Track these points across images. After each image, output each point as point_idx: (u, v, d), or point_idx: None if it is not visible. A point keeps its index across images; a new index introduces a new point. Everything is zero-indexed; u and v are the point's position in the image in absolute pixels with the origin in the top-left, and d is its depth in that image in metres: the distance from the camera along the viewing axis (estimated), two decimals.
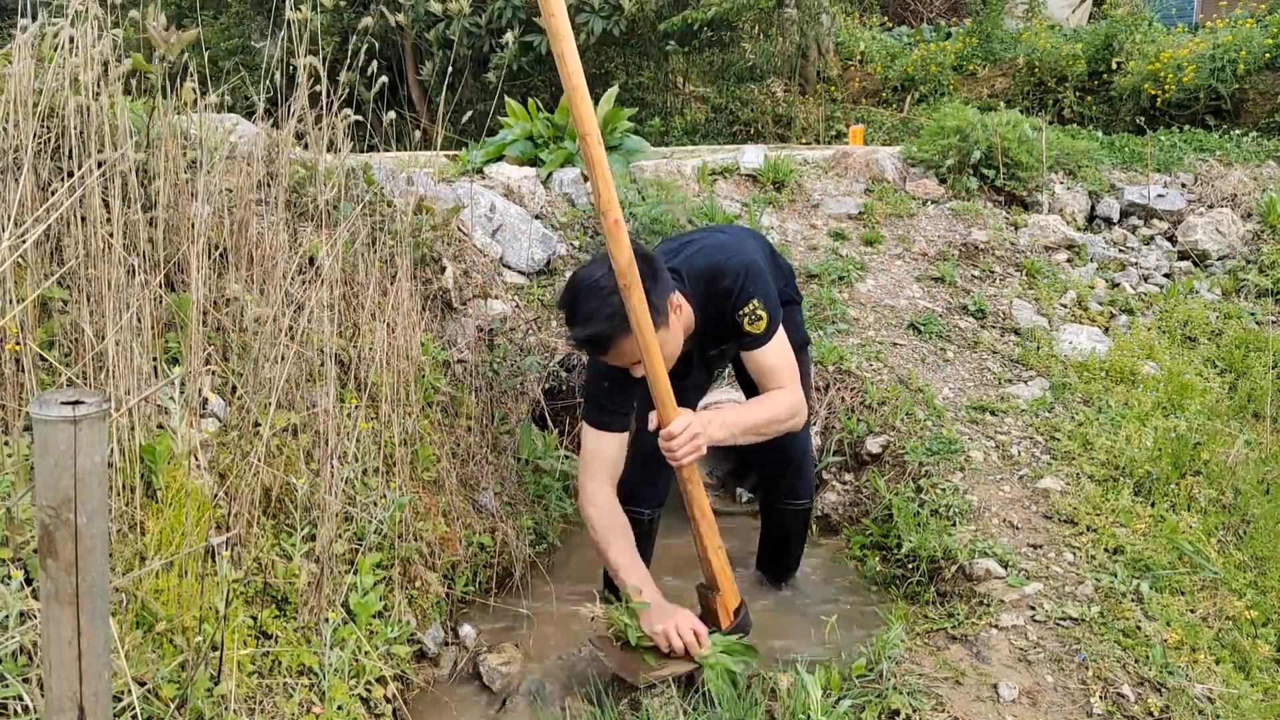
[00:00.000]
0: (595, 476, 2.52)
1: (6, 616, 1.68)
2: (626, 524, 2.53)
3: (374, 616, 2.34)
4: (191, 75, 2.70)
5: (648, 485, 2.80)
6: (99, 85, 2.33)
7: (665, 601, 2.43)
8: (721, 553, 2.46)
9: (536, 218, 4.31)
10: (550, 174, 4.74)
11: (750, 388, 2.92)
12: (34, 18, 2.46)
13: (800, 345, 2.88)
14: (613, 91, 5.21)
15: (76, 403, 1.19)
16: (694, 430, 2.27)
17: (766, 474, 2.98)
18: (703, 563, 2.47)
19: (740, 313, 2.43)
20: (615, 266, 2.18)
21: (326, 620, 2.18)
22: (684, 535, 3.43)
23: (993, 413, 3.64)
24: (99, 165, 2.26)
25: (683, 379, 2.65)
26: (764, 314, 2.44)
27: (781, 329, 2.52)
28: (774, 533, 3.06)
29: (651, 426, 2.32)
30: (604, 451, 2.52)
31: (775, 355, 2.50)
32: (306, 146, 3.05)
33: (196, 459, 2.15)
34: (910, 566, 2.97)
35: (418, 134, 3.67)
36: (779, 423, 2.49)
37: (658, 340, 2.26)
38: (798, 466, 2.89)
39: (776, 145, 7.19)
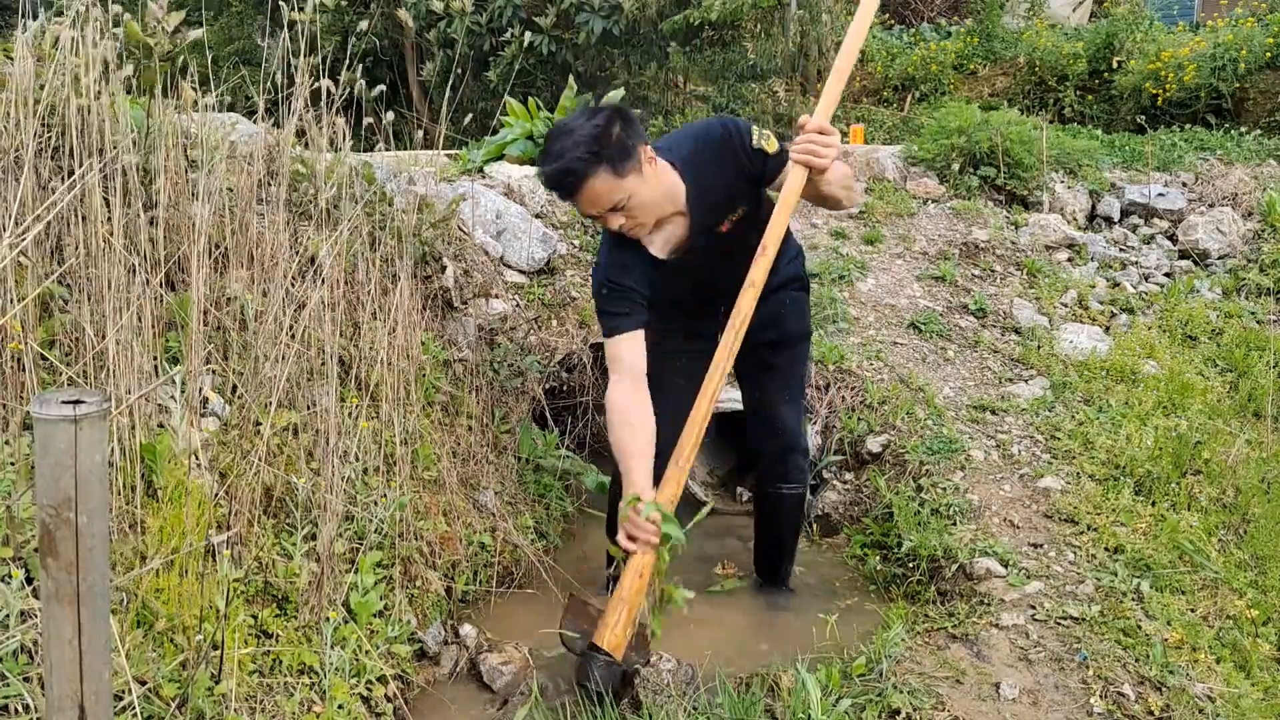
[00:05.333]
0: (616, 384, 2.48)
1: (7, 616, 1.68)
2: (643, 419, 2.46)
3: (374, 616, 2.34)
4: (192, 74, 2.70)
5: None
6: (99, 85, 2.33)
7: (649, 491, 2.39)
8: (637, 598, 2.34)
9: (537, 216, 4.31)
10: None
11: (757, 383, 2.90)
12: (34, 17, 2.46)
13: (809, 333, 2.88)
14: (618, 93, 5.20)
15: (77, 402, 1.19)
16: (837, 143, 2.32)
17: (762, 457, 2.96)
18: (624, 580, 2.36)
19: (753, 146, 2.42)
20: None
21: (327, 619, 2.18)
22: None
23: (993, 412, 3.64)
24: (99, 162, 2.26)
25: (697, 311, 2.67)
26: (768, 132, 2.45)
27: None
28: (768, 522, 3.03)
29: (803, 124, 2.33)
30: (623, 353, 2.49)
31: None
32: (307, 145, 3.05)
33: (197, 458, 2.15)
34: (910, 565, 2.97)
35: (419, 134, 3.67)
36: (852, 182, 2.52)
37: (631, 186, 2.30)
38: (793, 450, 2.88)
39: None
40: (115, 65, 2.40)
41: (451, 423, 3.18)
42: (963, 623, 2.54)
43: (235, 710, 1.90)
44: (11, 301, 2.06)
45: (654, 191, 2.37)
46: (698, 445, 2.41)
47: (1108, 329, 4.43)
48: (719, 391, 2.39)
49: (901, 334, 4.14)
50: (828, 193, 2.41)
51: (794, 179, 2.36)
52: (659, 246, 2.50)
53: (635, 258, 2.48)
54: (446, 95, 3.77)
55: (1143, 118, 7.12)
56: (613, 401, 2.47)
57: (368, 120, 3.19)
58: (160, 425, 2.18)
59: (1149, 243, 5.33)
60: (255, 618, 2.13)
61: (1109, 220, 5.46)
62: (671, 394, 2.67)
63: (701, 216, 2.48)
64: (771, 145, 2.43)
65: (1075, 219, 5.34)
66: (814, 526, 3.47)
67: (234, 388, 2.49)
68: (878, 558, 3.14)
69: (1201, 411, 3.68)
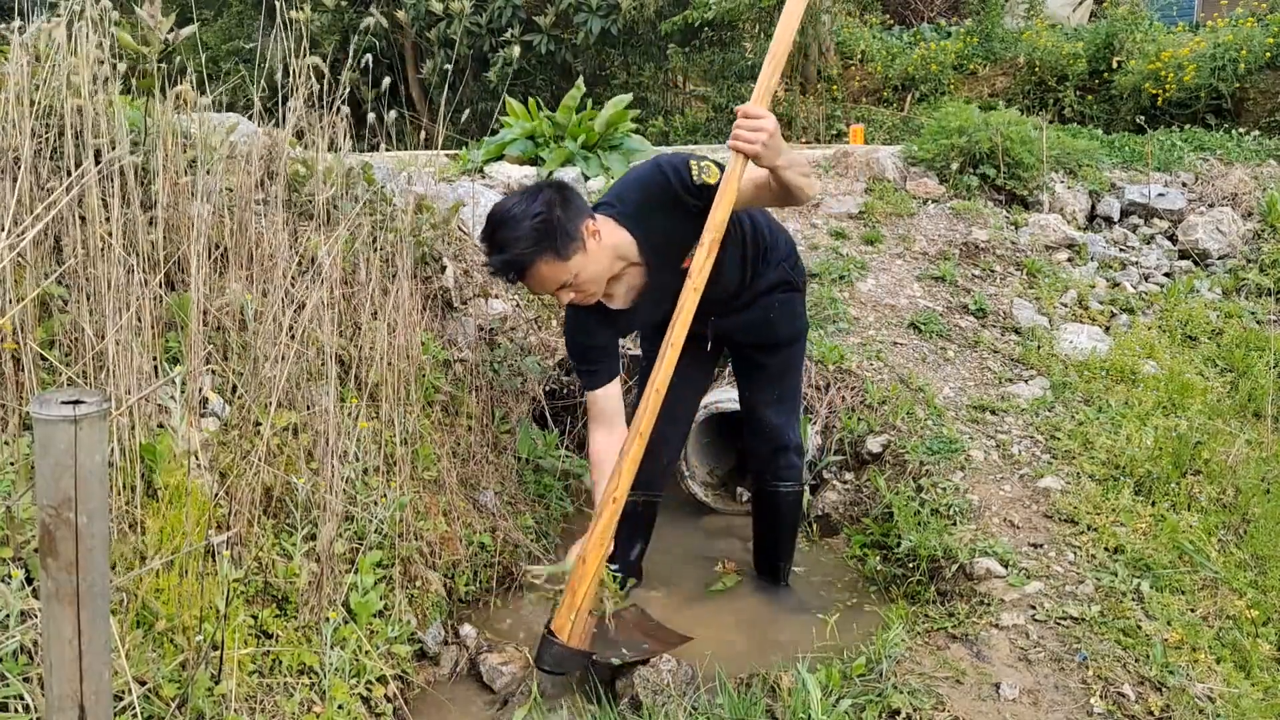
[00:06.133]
0: (594, 430, 2.68)
1: (7, 616, 1.68)
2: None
3: (374, 616, 2.34)
4: (190, 75, 2.70)
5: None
6: (94, 84, 2.32)
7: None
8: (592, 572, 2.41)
9: None
10: (551, 173, 4.75)
11: (748, 382, 2.92)
12: (27, 18, 2.46)
13: (801, 333, 2.88)
14: (625, 98, 5.21)
15: (77, 402, 1.19)
16: (769, 128, 2.24)
17: (756, 456, 2.98)
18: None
19: (695, 184, 2.40)
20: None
21: (327, 619, 2.18)
22: (686, 530, 3.44)
23: (993, 412, 3.64)
24: (96, 163, 2.26)
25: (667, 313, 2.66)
26: (708, 163, 2.44)
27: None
28: (766, 519, 3.05)
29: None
30: (598, 404, 2.66)
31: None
32: (307, 146, 3.05)
33: (197, 458, 2.15)
34: (910, 566, 2.97)
35: (419, 134, 3.67)
36: (808, 169, 2.45)
37: (576, 265, 2.36)
38: (783, 449, 2.90)
39: None
40: (110, 63, 2.39)
41: (451, 423, 3.18)
42: (963, 623, 2.54)
43: (235, 710, 1.89)
44: (11, 302, 2.06)
45: (599, 263, 2.42)
46: (640, 446, 2.44)
47: (1108, 329, 4.43)
48: (664, 385, 2.42)
49: (901, 334, 4.14)
50: (784, 180, 2.33)
51: (730, 167, 2.34)
52: (619, 299, 2.58)
53: (597, 317, 2.58)
54: (445, 95, 3.77)
55: (1143, 118, 7.12)
56: (593, 445, 2.67)
57: (342, 112, 3.18)
58: (160, 425, 2.18)
59: (1149, 243, 5.33)
60: (255, 618, 2.13)
61: (1109, 220, 5.46)
62: (668, 395, 2.73)
63: (659, 263, 2.54)
64: (713, 175, 2.42)
65: (1075, 219, 5.34)
66: (814, 526, 3.46)
67: (234, 388, 2.48)
68: (878, 558, 3.14)
69: (1201, 411, 3.68)
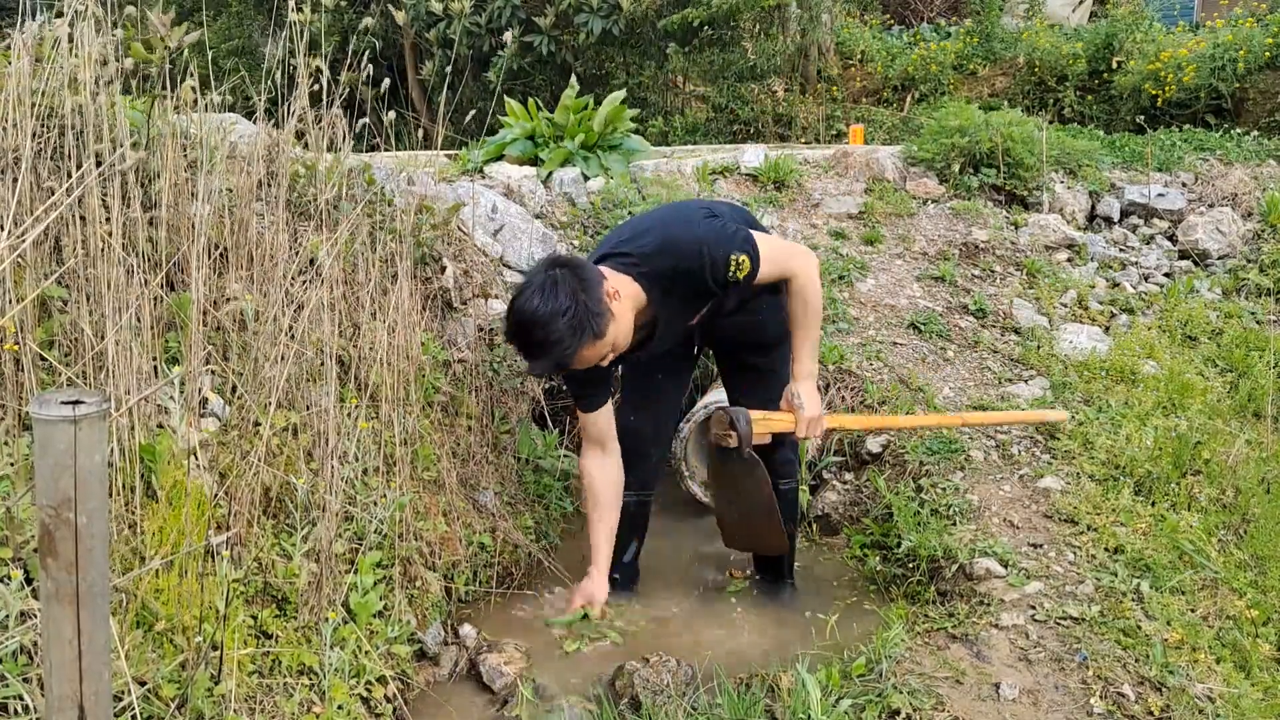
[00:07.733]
0: (587, 451, 2.78)
1: (7, 616, 1.68)
2: (610, 497, 2.76)
3: (374, 616, 2.34)
4: (192, 75, 2.70)
5: (625, 473, 2.83)
6: (97, 85, 2.32)
7: (597, 576, 2.73)
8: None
9: (537, 217, 4.30)
10: (550, 173, 4.74)
11: (738, 383, 2.93)
12: (33, 17, 2.46)
13: (788, 332, 2.88)
14: (619, 94, 5.21)
15: (76, 402, 1.19)
16: (819, 424, 2.74)
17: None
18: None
19: (728, 278, 2.48)
20: None
21: (326, 620, 2.18)
22: (686, 530, 3.44)
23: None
24: (97, 164, 2.26)
25: (667, 349, 2.74)
26: (744, 256, 2.47)
27: (757, 235, 2.57)
28: None
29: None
30: (592, 426, 2.74)
31: (770, 261, 2.55)
32: (307, 146, 3.05)
33: (196, 458, 2.15)
34: (910, 566, 2.97)
35: (419, 134, 3.66)
36: (817, 299, 2.65)
37: (611, 335, 2.37)
38: (776, 446, 2.90)
39: (777, 144, 7.19)
40: (115, 61, 2.39)
41: (451, 423, 3.17)
42: (963, 623, 2.54)
43: (235, 711, 1.89)
44: (11, 302, 2.06)
45: (626, 320, 2.45)
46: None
47: (1107, 329, 4.43)
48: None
49: (901, 334, 4.14)
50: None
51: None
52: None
53: None
54: (445, 95, 3.76)
55: (1142, 118, 7.12)
56: (585, 469, 2.78)
57: (363, 121, 3.19)
58: (160, 426, 2.18)
59: (1149, 243, 5.33)
60: (255, 618, 2.13)
61: (1109, 220, 5.45)
62: (653, 394, 2.91)
63: (668, 317, 2.59)
64: (744, 269, 2.48)
65: (1075, 219, 5.34)
66: (814, 526, 3.47)
67: (233, 388, 2.48)
68: (878, 558, 3.14)
69: (1201, 411, 3.68)
